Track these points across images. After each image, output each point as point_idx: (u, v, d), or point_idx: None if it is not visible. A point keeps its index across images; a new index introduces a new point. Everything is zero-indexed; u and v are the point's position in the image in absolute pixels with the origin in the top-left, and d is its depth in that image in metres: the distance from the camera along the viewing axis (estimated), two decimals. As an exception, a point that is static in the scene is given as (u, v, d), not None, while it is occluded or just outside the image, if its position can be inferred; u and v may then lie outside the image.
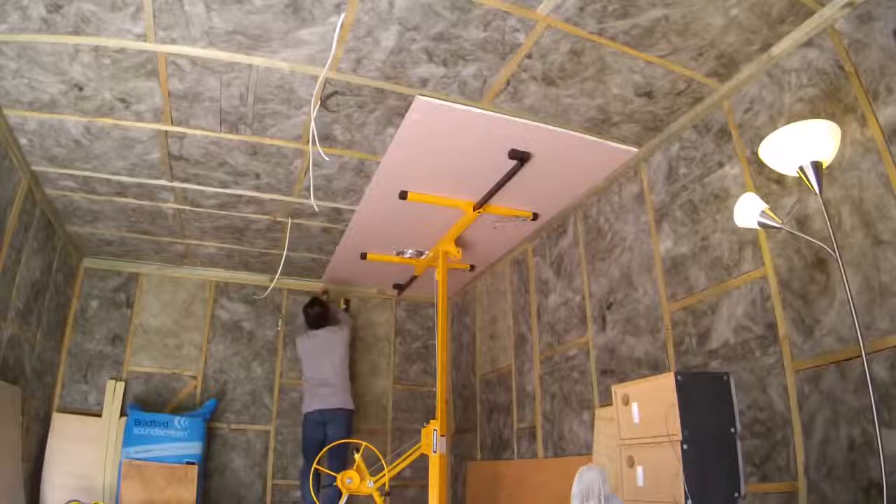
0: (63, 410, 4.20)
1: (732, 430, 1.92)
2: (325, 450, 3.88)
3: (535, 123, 2.88)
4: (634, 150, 3.11)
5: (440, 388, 3.79)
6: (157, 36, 2.29)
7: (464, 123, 2.86)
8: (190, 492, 3.98)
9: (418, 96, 2.67)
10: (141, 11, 2.16)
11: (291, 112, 2.81)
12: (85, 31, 2.25)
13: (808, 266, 2.15)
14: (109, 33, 2.27)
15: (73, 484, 3.88)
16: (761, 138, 2.03)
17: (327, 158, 3.12)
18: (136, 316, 4.69)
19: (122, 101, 2.70)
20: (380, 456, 3.80)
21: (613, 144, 3.07)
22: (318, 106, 2.73)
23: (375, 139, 3.03)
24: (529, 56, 2.43)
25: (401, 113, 2.81)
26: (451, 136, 2.98)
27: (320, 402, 4.25)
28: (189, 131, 2.95)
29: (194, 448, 4.21)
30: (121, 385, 4.39)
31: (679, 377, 1.93)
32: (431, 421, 3.61)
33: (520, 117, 2.84)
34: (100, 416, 4.23)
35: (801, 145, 1.87)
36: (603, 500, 1.83)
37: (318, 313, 4.51)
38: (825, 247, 1.87)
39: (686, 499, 1.78)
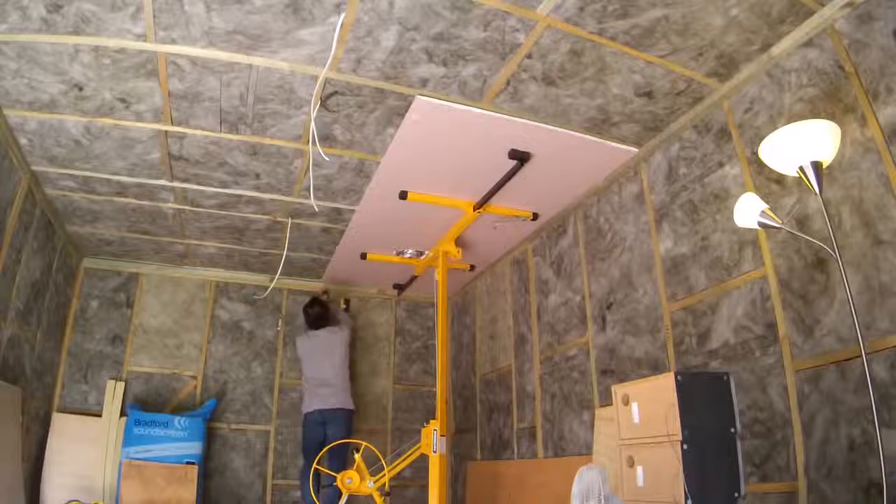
0: (63, 410, 4.20)
1: (732, 430, 1.92)
2: (325, 450, 3.88)
3: (535, 123, 2.88)
4: (634, 150, 3.11)
5: (440, 388, 3.79)
6: (157, 36, 2.29)
7: (464, 123, 2.86)
8: (190, 492, 3.98)
9: (418, 96, 2.67)
10: (141, 11, 2.16)
11: (291, 112, 2.81)
12: (85, 31, 2.25)
13: (808, 266, 2.15)
14: (109, 33, 2.27)
15: (73, 484, 3.88)
16: (761, 138, 2.03)
17: (327, 158, 3.12)
18: (136, 316, 4.69)
19: (122, 101, 2.70)
20: (380, 456, 3.80)
21: (613, 144, 3.07)
22: (318, 106, 2.73)
23: (375, 139, 3.03)
24: (529, 56, 2.43)
25: (401, 113, 2.81)
26: (451, 136, 2.98)
27: (320, 403, 4.25)
28: (189, 131, 2.95)
29: (194, 448, 4.21)
30: (121, 385, 4.39)
31: (679, 377, 1.93)
32: (431, 421, 3.61)
33: (520, 117, 2.84)
34: (100, 416, 4.23)
35: (801, 145, 1.87)
36: (603, 500, 1.83)
37: (318, 313, 4.51)
38: (825, 247, 1.87)
39: (686, 499, 1.78)
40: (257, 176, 3.41)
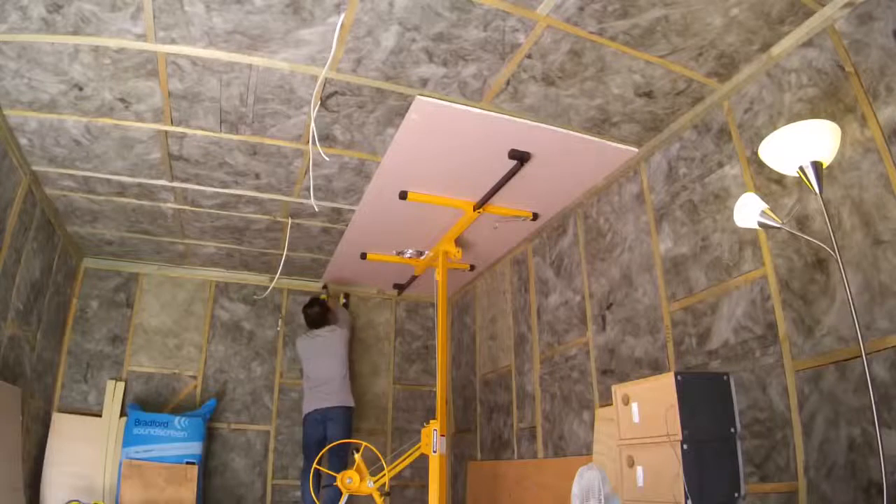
0: (63, 410, 4.19)
1: (732, 430, 1.93)
2: (325, 449, 3.88)
3: (535, 123, 2.88)
4: (634, 150, 3.11)
5: (440, 388, 3.79)
6: (157, 36, 2.29)
7: (464, 123, 2.86)
8: (190, 492, 3.98)
9: (418, 96, 2.67)
10: (141, 11, 2.16)
11: (291, 112, 2.81)
12: (85, 31, 2.25)
13: (808, 266, 2.15)
14: (109, 33, 2.27)
15: (73, 484, 3.88)
16: (761, 138, 2.03)
17: (327, 158, 3.12)
18: (136, 316, 4.69)
19: (122, 101, 2.70)
20: (380, 456, 3.80)
21: (613, 144, 3.07)
22: (318, 106, 2.73)
23: (375, 139, 3.03)
24: (529, 56, 2.43)
25: (401, 113, 2.81)
26: (451, 136, 2.98)
27: (320, 402, 4.25)
28: (189, 131, 2.95)
29: (194, 448, 4.21)
30: (121, 385, 4.39)
31: (679, 377, 1.93)
32: (431, 421, 3.61)
33: (520, 117, 2.84)
34: (100, 416, 4.23)
35: (801, 145, 1.87)
36: (603, 500, 1.84)
37: (318, 313, 4.53)
38: (825, 247, 1.87)
39: (686, 499, 1.78)
40: (257, 176, 3.41)
